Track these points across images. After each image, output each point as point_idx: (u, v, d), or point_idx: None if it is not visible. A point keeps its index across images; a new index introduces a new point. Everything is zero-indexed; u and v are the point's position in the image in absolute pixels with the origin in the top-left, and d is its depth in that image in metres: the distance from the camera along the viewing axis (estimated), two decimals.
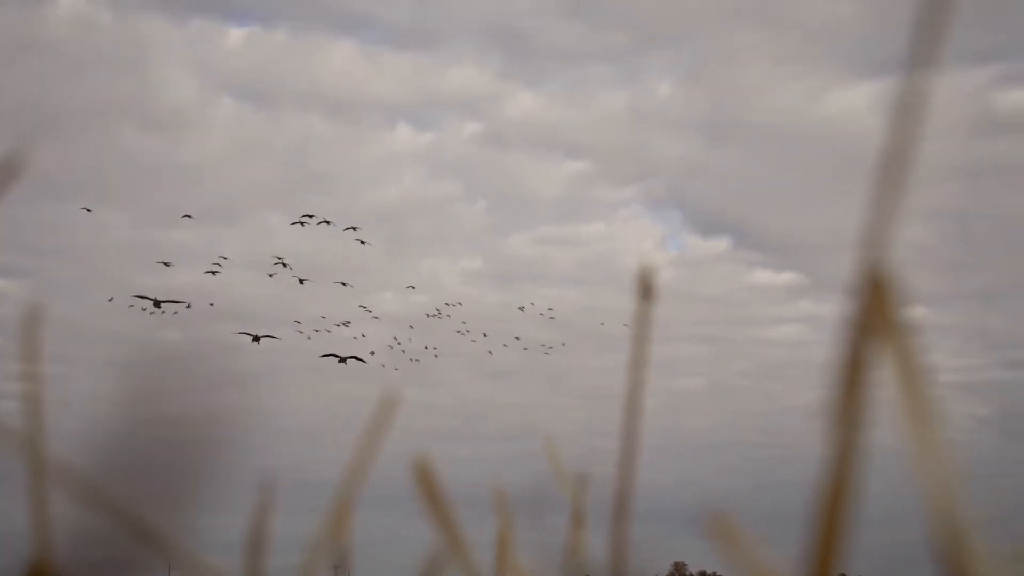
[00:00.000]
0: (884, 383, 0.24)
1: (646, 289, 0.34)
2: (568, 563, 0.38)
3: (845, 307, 0.24)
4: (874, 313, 0.24)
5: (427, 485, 0.36)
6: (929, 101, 0.24)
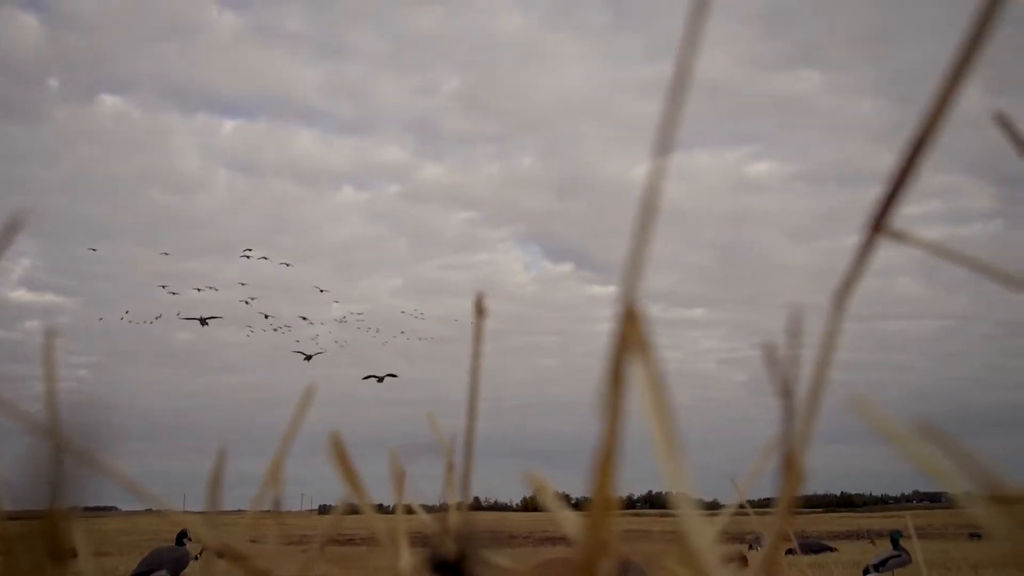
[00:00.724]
0: (636, 382, 0.35)
1: (479, 308, 0.46)
2: (443, 494, 0.50)
3: (611, 327, 0.35)
4: (629, 332, 0.35)
5: (339, 455, 0.47)
6: (664, 178, 0.35)
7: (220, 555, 0.47)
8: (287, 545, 0.54)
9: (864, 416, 0.36)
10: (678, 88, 0.38)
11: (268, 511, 0.53)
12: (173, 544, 7.13)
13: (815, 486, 0.44)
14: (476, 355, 0.50)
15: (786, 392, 0.43)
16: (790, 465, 0.44)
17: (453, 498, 0.51)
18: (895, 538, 7.47)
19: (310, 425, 0.55)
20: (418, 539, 0.41)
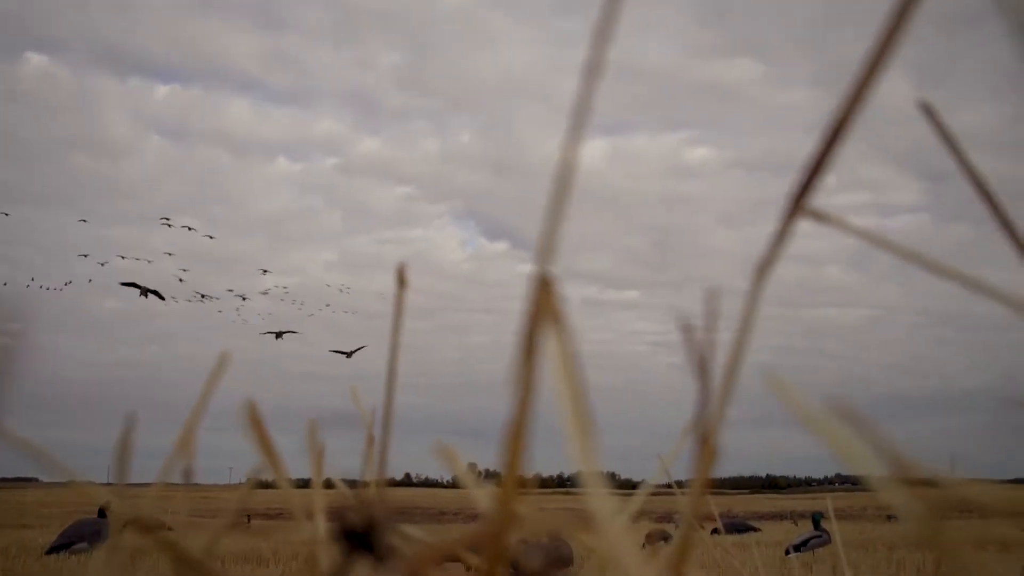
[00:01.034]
0: (549, 353, 0.35)
1: (400, 279, 0.45)
2: (362, 468, 0.50)
3: (525, 300, 0.35)
4: (542, 302, 0.35)
5: (254, 424, 0.46)
6: (577, 158, 0.35)
7: (129, 526, 0.46)
8: (200, 518, 0.53)
9: (778, 394, 0.37)
10: (594, 67, 0.37)
11: (178, 483, 0.52)
12: (95, 517, 7.01)
13: (741, 468, 0.45)
14: (396, 327, 0.50)
15: (703, 371, 0.43)
16: (705, 443, 0.44)
17: (371, 472, 0.50)
18: (816, 519, 7.67)
19: (241, 397, 0.53)
20: (334, 512, 0.40)
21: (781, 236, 0.43)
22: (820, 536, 7.32)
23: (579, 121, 0.35)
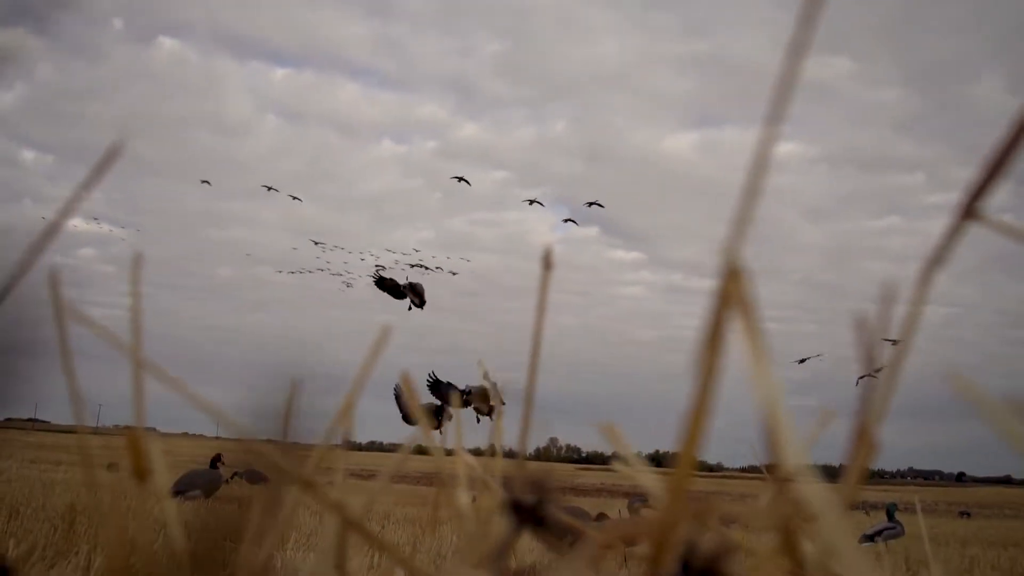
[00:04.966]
0: (736, 337, 0.33)
1: (547, 261, 0.44)
2: (491, 440, 0.49)
3: (713, 285, 0.33)
4: (731, 289, 0.33)
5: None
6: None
7: (294, 483, 0.46)
8: (359, 479, 0.53)
9: (963, 393, 0.34)
10: (789, 75, 0.35)
11: (337, 445, 0.52)
12: (207, 467, 7.24)
13: (816, 457, 0.43)
14: (541, 307, 0.49)
15: (870, 362, 0.41)
16: (863, 435, 0.42)
17: (524, 445, 0.49)
18: (891, 511, 7.45)
19: (349, 367, 0.53)
20: (506, 483, 0.39)
21: (951, 237, 0.40)
22: (894, 528, 7.12)
23: (777, 112, 0.33)
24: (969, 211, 0.40)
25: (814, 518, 0.30)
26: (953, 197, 0.40)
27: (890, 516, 7.30)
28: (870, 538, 6.96)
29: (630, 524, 0.34)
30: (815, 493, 0.31)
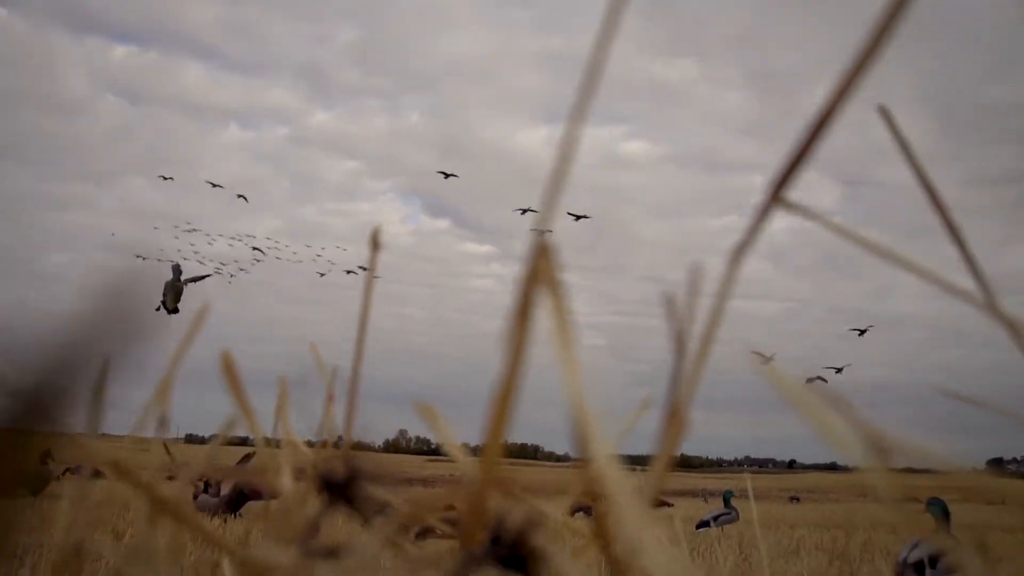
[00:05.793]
0: (544, 317, 0.33)
1: (375, 242, 0.43)
2: (320, 429, 0.48)
3: (522, 264, 0.33)
4: (540, 266, 0.33)
5: (230, 375, 0.44)
6: (576, 144, 0.33)
7: (102, 473, 0.43)
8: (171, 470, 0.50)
9: (765, 375, 0.36)
10: (594, 67, 0.36)
11: (151, 436, 0.49)
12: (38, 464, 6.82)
13: (657, 446, 0.44)
14: (369, 286, 0.48)
15: (680, 340, 0.42)
16: (675, 414, 0.43)
17: (335, 431, 0.48)
18: (727, 497, 7.81)
19: (202, 360, 0.51)
20: (317, 464, 0.38)
21: (758, 223, 0.42)
22: (729, 513, 7.46)
23: (580, 111, 0.34)
24: (775, 197, 0.41)
25: (614, 501, 0.31)
26: (790, 198, 0.42)
27: (726, 503, 7.65)
28: (707, 523, 7.26)
29: (437, 496, 0.34)
30: (614, 475, 0.31)
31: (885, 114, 0.46)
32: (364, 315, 0.48)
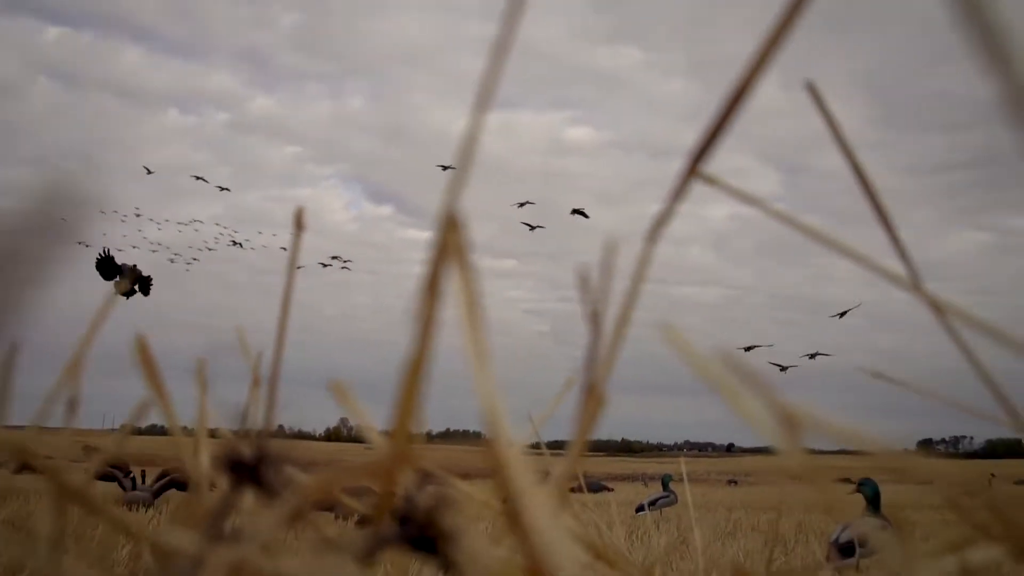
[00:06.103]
0: (453, 292, 0.33)
1: (298, 222, 0.42)
2: (242, 415, 0.46)
3: (431, 237, 0.33)
4: (449, 240, 0.33)
5: (144, 360, 0.43)
6: (481, 133, 0.33)
7: (17, 464, 0.41)
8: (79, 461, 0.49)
9: (674, 347, 0.36)
10: (501, 48, 0.35)
11: (58, 426, 0.47)
12: None
13: (598, 432, 0.44)
14: (292, 266, 0.47)
15: (595, 318, 0.41)
16: (592, 391, 0.43)
17: (259, 414, 0.47)
18: (665, 481, 7.92)
19: (118, 346, 0.49)
20: (225, 445, 0.37)
21: (676, 195, 0.42)
22: (668, 496, 7.57)
23: (486, 95, 0.33)
24: (693, 170, 0.41)
25: (518, 486, 0.30)
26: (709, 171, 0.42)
27: (665, 486, 7.75)
28: (647, 507, 7.35)
29: (345, 475, 0.33)
30: (519, 459, 0.31)
31: (812, 91, 0.46)
32: (286, 298, 0.47)
